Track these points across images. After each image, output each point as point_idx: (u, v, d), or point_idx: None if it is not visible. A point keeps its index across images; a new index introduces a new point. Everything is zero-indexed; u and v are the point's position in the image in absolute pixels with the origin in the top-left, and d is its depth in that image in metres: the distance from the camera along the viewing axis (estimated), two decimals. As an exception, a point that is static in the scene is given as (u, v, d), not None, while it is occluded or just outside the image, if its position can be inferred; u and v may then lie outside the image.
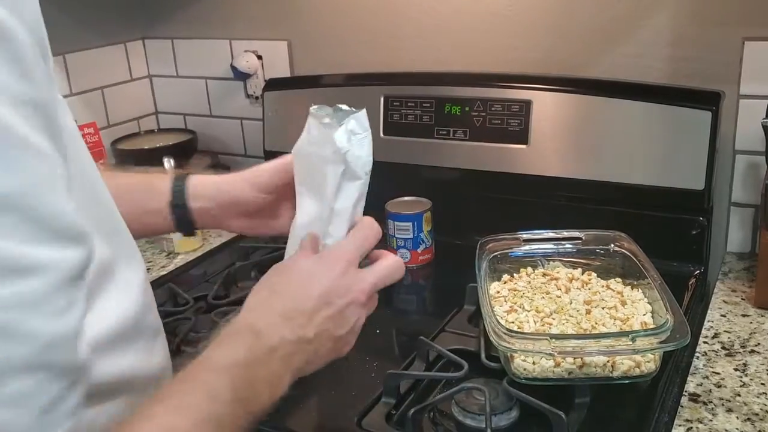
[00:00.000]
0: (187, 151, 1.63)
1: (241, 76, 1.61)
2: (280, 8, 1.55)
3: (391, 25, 1.43)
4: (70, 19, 1.58)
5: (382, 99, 1.37)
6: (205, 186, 0.85)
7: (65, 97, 1.54)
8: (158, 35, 1.72)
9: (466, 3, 1.34)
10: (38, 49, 0.48)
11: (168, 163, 1.45)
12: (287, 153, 1.53)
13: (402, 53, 1.43)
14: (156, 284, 1.28)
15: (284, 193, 0.83)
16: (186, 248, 1.40)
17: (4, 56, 0.43)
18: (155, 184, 0.85)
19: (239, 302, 1.18)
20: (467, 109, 1.30)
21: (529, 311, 0.92)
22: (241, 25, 1.61)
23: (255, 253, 1.34)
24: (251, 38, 1.60)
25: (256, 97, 1.63)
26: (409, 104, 1.35)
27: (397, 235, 1.25)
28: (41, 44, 0.49)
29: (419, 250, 1.25)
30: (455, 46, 1.38)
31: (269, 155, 1.53)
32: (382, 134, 1.37)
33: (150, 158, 1.54)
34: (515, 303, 0.94)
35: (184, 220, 0.84)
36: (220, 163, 1.66)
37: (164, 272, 1.33)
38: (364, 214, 0.75)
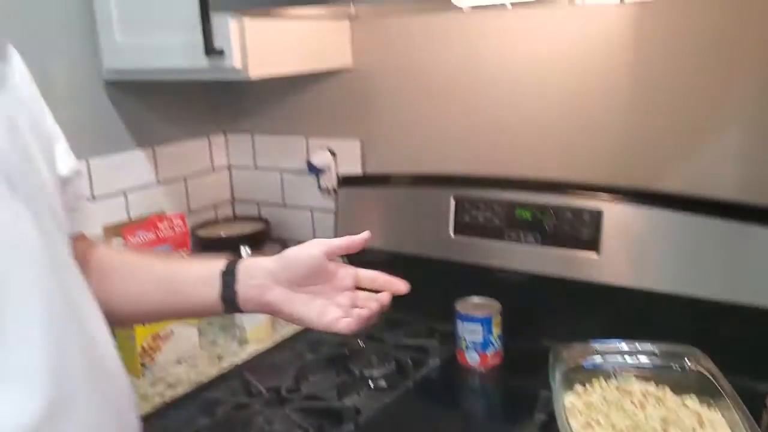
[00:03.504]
0: (261, 239, 1.70)
1: (315, 170, 1.68)
2: (354, 109, 1.63)
3: (461, 129, 1.49)
4: (161, 114, 1.69)
5: (452, 200, 1.42)
6: (255, 263, 0.88)
7: (150, 186, 1.64)
8: (239, 129, 1.83)
9: (535, 111, 1.40)
10: None
11: (245, 251, 1.51)
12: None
13: (472, 156, 1.49)
14: (229, 373, 1.32)
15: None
16: (257, 336, 1.44)
17: None
18: (207, 269, 0.88)
19: (312, 397, 1.21)
20: (538, 214, 1.33)
21: (605, 427, 0.92)
22: (317, 123, 1.70)
23: (324, 346, 1.38)
24: (326, 136, 1.69)
25: (328, 191, 1.70)
26: (480, 206, 1.39)
27: (466, 337, 1.27)
28: None
29: (488, 353, 1.27)
30: (525, 152, 1.42)
31: (340, 249, 1.59)
32: (452, 234, 1.42)
33: (227, 246, 1.61)
34: (591, 417, 0.94)
35: (229, 289, 0.86)
36: (290, 253, 1.72)
37: (237, 360, 1.37)
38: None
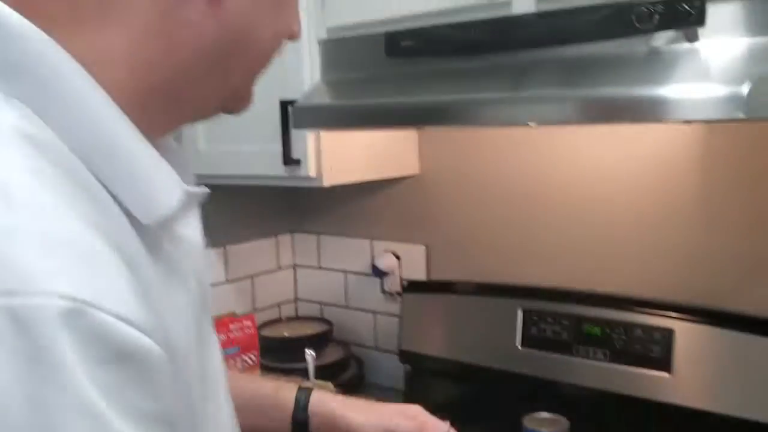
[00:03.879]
0: (324, 340, 1.72)
1: (380, 273, 1.71)
2: (420, 214, 1.67)
3: (528, 239, 1.51)
4: (234, 215, 1.76)
5: (520, 312, 1.43)
6: (325, 404, 0.92)
7: (220, 284, 1.69)
8: (306, 230, 1.88)
9: (604, 225, 1.41)
10: (175, 365, 0.45)
11: (309, 355, 1.53)
12: (422, 354, 1.59)
13: (540, 267, 1.50)
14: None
15: None
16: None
17: (135, 377, 0.39)
18: (280, 395, 0.92)
19: None
20: (607, 330, 1.33)
21: None
22: (383, 227, 1.74)
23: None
24: (391, 240, 1.72)
25: (392, 294, 1.73)
26: (548, 320, 1.40)
27: (534, 454, 1.25)
28: (182, 354, 0.49)
29: (557, 472, 1.24)
30: (594, 266, 1.43)
31: (404, 354, 1.60)
32: (519, 346, 1.41)
33: (290, 347, 1.64)
34: None
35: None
36: (353, 355, 1.73)
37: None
38: None
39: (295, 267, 1.92)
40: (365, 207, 1.77)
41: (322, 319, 1.81)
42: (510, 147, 1.51)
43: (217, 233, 1.71)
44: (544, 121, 1.04)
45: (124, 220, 0.46)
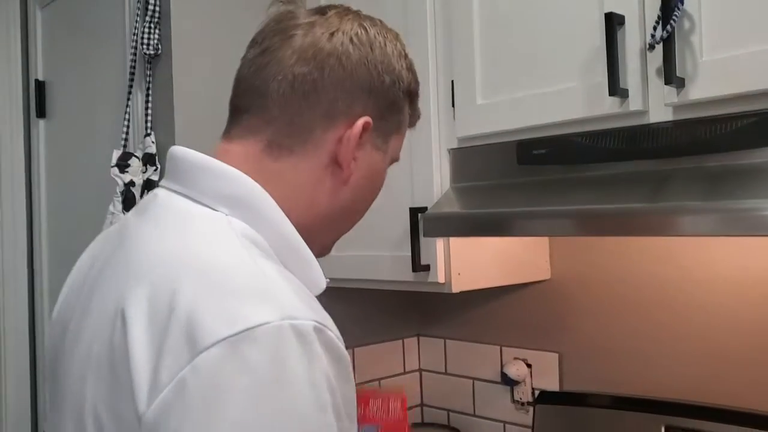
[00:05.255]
0: (451, 450, 1.67)
1: (510, 382, 1.66)
2: (552, 321, 1.62)
3: (667, 349, 1.43)
4: (360, 318, 1.78)
5: (663, 429, 1.33)
6: None
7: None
8: (432, 334, 1.87)
9: (749, 337, 1.31)
10: None
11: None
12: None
13: (681, 380, 1.41)
14: None
15: None
16: None
17: (346, 376, 0.64)
18: None
19: None
20: (763, 454, 1.21)
21: None
22: (513, 333, 1.70)
23: None
24: (522, 346, 1.68)
25: (522, 404, 1.66)
26: (694, 439, 1.30)
27: None
28: None
29: None
30: (742, 381, 1.33)
31: (537, 470, 1.52)
32: (663, 467, 1.32)
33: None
34: None
35: None
36: (480, 466, 1.67)
37: None
38: None
39: (420, 371, 1.90)
40: (494, 312, 1.74)
41: (449, 427, 1.77)
42: (641, 254, 1.46)
43: (345, 335, 1.73)
44: (684, 233, 1.00)
45: None
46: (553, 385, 1.61)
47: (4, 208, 1.92)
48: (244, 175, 0.72)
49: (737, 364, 1.34)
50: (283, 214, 0.73)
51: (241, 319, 0.59)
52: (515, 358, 1.68)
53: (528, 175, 1.22)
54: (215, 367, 0.57)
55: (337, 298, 1.73)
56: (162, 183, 0.76)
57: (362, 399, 1.28)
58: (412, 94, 0.83)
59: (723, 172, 0.99)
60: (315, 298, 0.68)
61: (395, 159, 0.85)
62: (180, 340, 0.58)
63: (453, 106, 1.35)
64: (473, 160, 1.34)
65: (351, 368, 0.65)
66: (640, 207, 1.03)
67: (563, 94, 1.16)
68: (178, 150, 0.75)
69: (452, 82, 1.35)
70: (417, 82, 0.84)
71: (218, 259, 0.64)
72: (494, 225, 1.23)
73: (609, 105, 1.09)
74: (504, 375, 1.66)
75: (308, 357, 0.59)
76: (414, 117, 0.86)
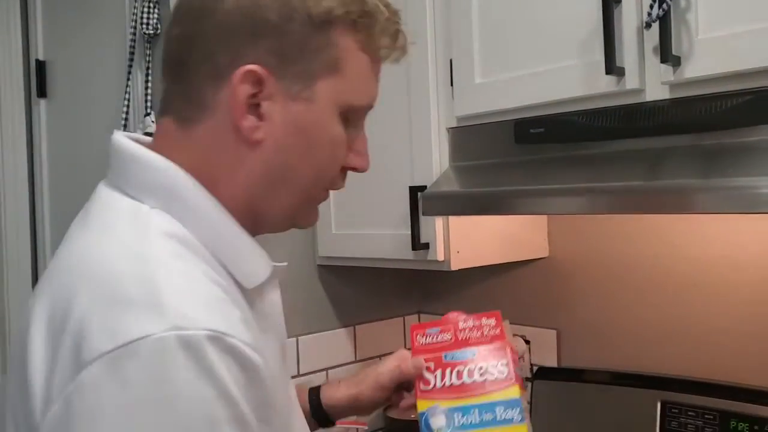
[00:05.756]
0: (450, 425, 1.69)
1: (509, 358, 1.68)
2: (550, 298, 1.64)
3: (664, 325, 1.44)
4: (361, 296, 1.80)
5: (659, 405, 1.35)
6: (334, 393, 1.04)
7: (349, 364, 1.72)
8: (432, 311, 1.89)
9: (746, 315, 1.33)
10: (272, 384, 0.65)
11: None
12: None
13: (677, 356, 1.42)
14: None
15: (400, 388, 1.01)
16: None
17: (253, 382, 0.60)
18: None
19: None
20: (757, 428, 1.23)
21: None
22: (511, 310, 1.71)
23: None
24: (520, 323, 1.70)
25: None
26: (690, 413, 1.31)
27: None
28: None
29: None
30: (739, 357, 1.34)
31: (535, 445, 1.54)
32: (658, 441, 1.34)
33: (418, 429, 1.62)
34: None
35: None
36: (480, 441, 1.70)
37: None
38: None
39: (422, 348, 1.92)
40: (493, 289, 1.76)
41: (448, 402, 1.79)
42: (638, 232, 1.47)
43: (347, 313, 1.76)
44: (681, 210, 1.01)
45: (234, 285, 0.68)
46: (551, 361, 1.63)
47: (6, 188, 1.93)
48: (169, 164, 0.68)
49: (732, 340, 1.35)
50: (211, 201, 0.68)
51: (122, 332, 0.55)
52: (514, 335, 1.69)
53: (526, 153, 1.23)
54: (94, 385, 0.55)
55: (339, 277, 1.75)
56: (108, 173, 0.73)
57: (450, 326, 1.07)
58: (338, 23, 0.68)
59: (719, 150, 1.00)
60: (236, 300, 0.64)
61: (361, 105, 0.72)
62: (69, 353, 0.56)
63: (452, 85, 1.35)
64: (472, 139, 1.35)
65: (264, 372, 0.61)
66: (637, 185, 1.04)
67: (560, 72, 1.16)
68: (115, 139, 0.71)
69: (450, 61, 1.35)
70: (352, 7, 0.68)
71: (114, 267, 0.61)
72: (492, 203, 1.25)
73: (606, 83, 1.10)
74: (503, 352, 1.67)
75: (196, 371, 0.55)
76: (374, 46, 0.71)
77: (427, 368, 0.95)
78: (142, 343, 0.55)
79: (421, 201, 1.36)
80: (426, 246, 1.42)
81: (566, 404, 1.51)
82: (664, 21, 0.99)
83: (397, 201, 1.44)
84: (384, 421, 1.70)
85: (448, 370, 0.94)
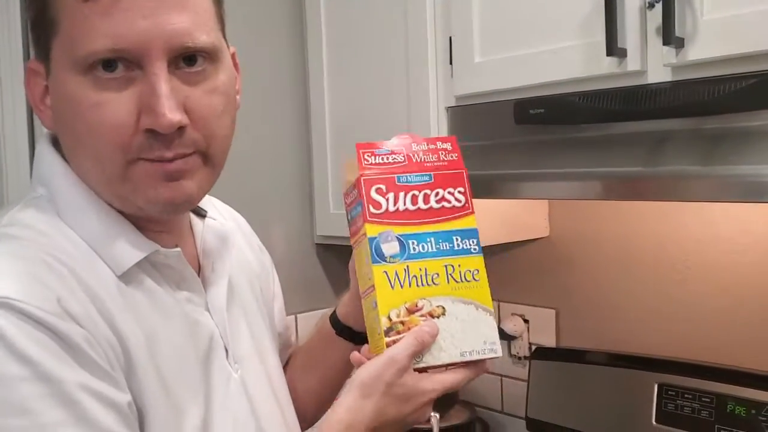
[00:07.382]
0: (449, 401, 1.70)
1: (507, 337, 1.68)
2: (549, 278, 1.63)
3: (663, 308, 1.44)
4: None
5: (655, 386, 1.35)
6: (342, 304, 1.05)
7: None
8: (432, 289, 1.89)
9: (747, 298, 1.32)
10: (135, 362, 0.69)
11: (434, 417, 1.51)
12: (550, 423, 1.54)
13: (677, 338, 1.42)
14: None
15: None
16: None
17: (57, 346, 0.63)
18: (324, 332, 1.04)
19: None
20: (753, 412, 1.23)
21: None
22: (511, 289, 1.71)
23: None
24: (519, 303, 1.69)
25: (519, 358, 1.69)
26: (686, 396, 1.31)
27: None
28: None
29: None
30: (738, 340, 1.34)
31: (531, 423, 1.55)
32: (654, 422, 1.34)
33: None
34: None
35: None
36: (478, 418, 1.70)
37: None
38: None
39: (421, 325, 1.92)
40: (493, 268, 1.71)
41: (447, 380, 1.80)
42: (642, 212, 1.46)
43: (344, 291, 1.75)
44: (681, 198, 1.00)
45: (106, 269, 0.71)
46: (549, 341, 1.63)
47: (8, 151, 1.91)
48: (44, 150, 0.75)
49: (731, 323, 1.35)
50: (72, 182, 0.73)
51: None
52: (513, 314, 1.70)
53: (525, 134, 1.21)
54: None
55: (337, 255, 1.74)
56: None
57: (402, 147, 0.91)
58: None
59: (721, 135, 0.98)
60: (79, 278, 0.68)
61: (92, 50, 0.66)
62: None
63: (451, 63, 1.33)
64: (471, 119, 1.33)
65: (77, 337, 0.64)
66: (637, 172, 1.03)
67: (561, 53, 1.14)
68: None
69: (450, 38, 1.33)
70: None
71: None
72: (491, 187, 1.23)
73: (607, 65, 1.07)
74: (501, 330, 1.67)
75: None
76: None
77: (377, 190, 0.83)
78: None
79: (419, 181, 1.34)
80: (426, 227, 1.41)
81: (563, 384, 1.51)
82: (667, 1, 0.97)
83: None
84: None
85: (401, 194, 0.84)
